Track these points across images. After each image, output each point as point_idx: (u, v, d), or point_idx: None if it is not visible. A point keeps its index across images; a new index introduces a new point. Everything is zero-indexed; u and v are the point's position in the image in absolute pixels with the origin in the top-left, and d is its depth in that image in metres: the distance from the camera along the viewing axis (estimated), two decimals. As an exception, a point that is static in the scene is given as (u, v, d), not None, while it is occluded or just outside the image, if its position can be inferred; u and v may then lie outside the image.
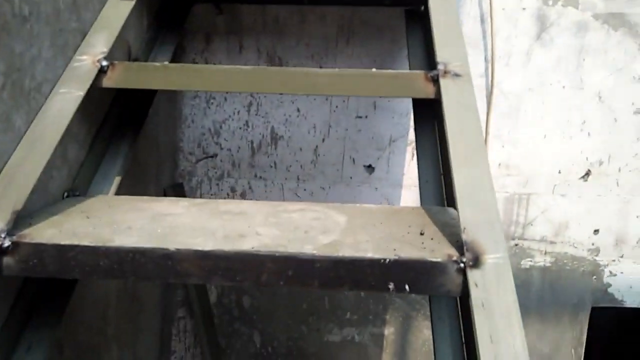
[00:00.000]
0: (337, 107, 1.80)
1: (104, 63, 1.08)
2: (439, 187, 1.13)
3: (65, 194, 1.07)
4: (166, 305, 1.88)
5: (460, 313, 0.90)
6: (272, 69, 1.13)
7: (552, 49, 1.71)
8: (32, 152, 0.92)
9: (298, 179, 1.86)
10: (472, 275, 0.70)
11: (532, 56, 1.72)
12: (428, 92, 1.06)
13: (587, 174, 1.79)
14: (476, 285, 0.69)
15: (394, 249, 0.77)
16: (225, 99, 1.82)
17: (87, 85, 1.03)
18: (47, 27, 0.99)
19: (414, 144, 1.80)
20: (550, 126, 1.76)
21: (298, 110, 1.81)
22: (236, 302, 1.95)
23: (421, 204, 1.12)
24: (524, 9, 1.70)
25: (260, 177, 1.87)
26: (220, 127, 1.84)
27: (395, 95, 1.16)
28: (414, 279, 0.73)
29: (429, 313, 1.88)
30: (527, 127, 1.76)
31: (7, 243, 0.79)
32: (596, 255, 1.85)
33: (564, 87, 1.73)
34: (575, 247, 1.85)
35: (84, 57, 1.09)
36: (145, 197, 1.08)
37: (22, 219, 0.85)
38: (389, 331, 1.95)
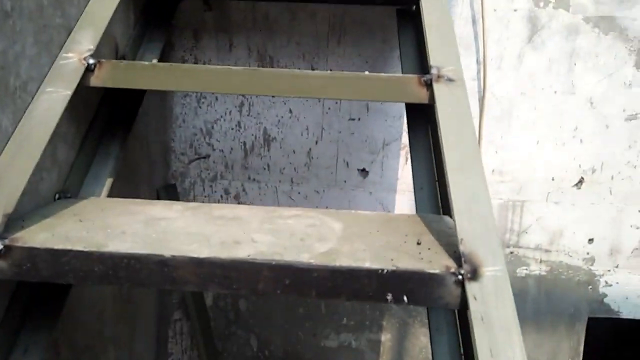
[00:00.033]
0: (329, 108, 1.79)
1: (91, 61, 1.06)
2: (434, 194, 1.13)
3: (57, 196, 1.06)
4: (162, 307, 1.87)
5: (458, 324, 0.90)
6: (264, 71, 1.12)
7: (544, 52, 1.71)
8: (20, 153, 0.90)
9: (292, 181, 1.85)
10: (471, 287, 0.70)
11: (523, 59, 1.72)
12: (421, 97, 1.06)
13: (581, 181, 1.79)
14: (475, 298, 0.69)
15: (392, 259, 0.76)
16: (217, 99, 1.80)
17: (75, 84, 1.01)
18: (30, 23, 0.97)
19: (407, 148, 1.80)
20: (543, 132, 1.76)
21: (290, 111, 1.80)
22: (232, 305, 1.94)
23: (416, 211, 1.12)
24: (515, 10, 1.70)
25: (254, 180, 1.85)
26: (212, 127, 1.82)
27: (388, 99, 1.16)
28: (412, 290, 0.73)
29: (425, 320, 1.90)
30: (520, 133, 1.77)
31: (-1, 247, 0.77)
32: (591, 265, 1.85)
33: (555, 91, 1.74)
34: (571, 256, 1.84)
35: (70, 54, 1.06)
36: (138, 200, 1.06)
37: (13, 221, 0.83)
38: (385, 337, 1.95)
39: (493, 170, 1.79)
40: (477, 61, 1.73)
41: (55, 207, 0.96)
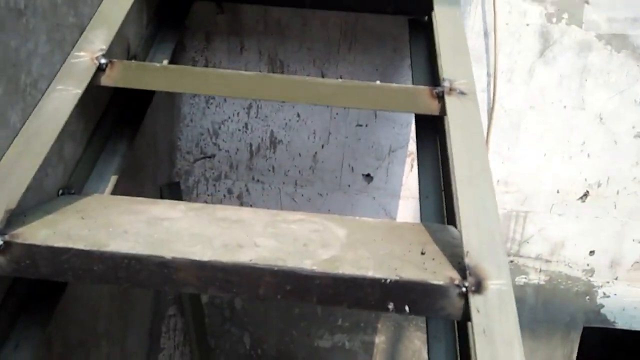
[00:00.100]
0: (337, 114, 1.79)
1: (103, 61, 1.06)
2: (440, 203, 1.12)
3: (60, 192, 1.05)
4: (157, 302, 1.87)
5: (457, 333, 0.89)
6: (275, 76, 1.11)
7: (555, 67, 1.71)
8: (27, 149, 0.90)
9: (296, 184, 1.85)
10: (475, 300, 0.70)
11: (534, 73, 1.72)
12: (432, 108, 1.05)
13: (586, 195, 1.79)
14: (478, 311, 0.68)
15: (395, 269, 0.76)
16: (225, 100, 1.81)
17: (85, 83, 1.01)
18: (43, 22, 0.97)
19: (413, 155, 1.80)
20: (551, 145, 1.76)
21: (298, 115, 1.80)
22: (228, 303, 1.94)
23: (421, 220, 1.11)
24: (527, 25, 1.70)
25: (258, 181, 1.85)
26: (219, 128, 1.82)
27: (399, 109, 1.15)
28: (414, 301, 0.72)
29: (420, 324, 1.90)
30: (527, 145, 1.76)
31: (-1, 242, 0.77)
32: (591, 276, 1.86)
33: (565, 106, 1.73)
34: (570, 267, 1.85)
35: (82, 53, 1.07)
36: (141, 199, 1.06)
37: (15, 216, 0.83)
38: (379, 339, 1.94)
39: (498, 181, 1.79)
40: (488, 74, 1.73)
41: (58, 203, 0.96)
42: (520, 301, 1.85)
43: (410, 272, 0.75)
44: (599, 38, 1.69)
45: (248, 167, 1.84)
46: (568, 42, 1.69)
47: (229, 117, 1.81)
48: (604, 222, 1.81)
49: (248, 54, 1.76)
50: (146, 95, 1.30)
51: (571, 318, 1.88)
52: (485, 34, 1.72)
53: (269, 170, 1.84)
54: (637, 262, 1.83)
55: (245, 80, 1.09)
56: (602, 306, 1.87)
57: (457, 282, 0.72)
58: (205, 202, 1.87)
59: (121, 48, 1.27)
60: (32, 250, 0.77)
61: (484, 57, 1.73)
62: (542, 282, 1.87)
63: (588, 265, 1.85)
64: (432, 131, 1.24)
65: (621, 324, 1.88)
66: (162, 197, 1.76)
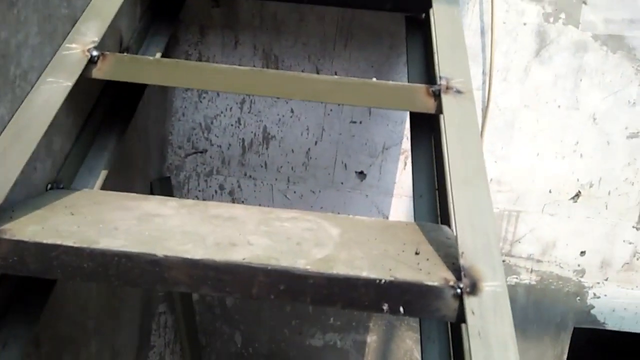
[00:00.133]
0: (331, 110, 1.78)
1: (95, 53, 1.04)
2: (433, 203, 1.11)
3: (49, 186, 1.03)
4: (147, 299, 1.85)
5: (450, 334, 0.89)
6: (269, 72, 1.10)
7: (550, 67, 1.71)
8: (15, 142, 0.88)
9: (288, 180, 1.83)
10: (469, 302, 0.69)
11: (530, 72, 1.72)
12: (429, 107, 1.05)
13: (577, 195, 1.80)
14: (473, 312, 0.68)
15: (390, 269, 0.75)
16: (218, 95, 1.79)
17: (76, 76, 1.00)
18: (35, 13, 0.95)
19: (406, 153, 1.79)
20: (544, 144, 1.76)
21: (292, 111, 1.78)
22: (219, 300, 1.93)
23: (415, 219, 1.11)
24: (524, 24, 1.69)
25: (250, 177, 1.84)
26: (212, 122, 1.80)
27: (394, 107, 1.14)
28: (409, 302, 0.72)
29: (412, 323, 1.91)
30: (521, 144, 1.77)
31: (-15, 238, 0.75)
32: (581, 277, 1.87)
33: (559, 106, 1.73)
34: (561, 267, 1.86)
35: (74, 45, 1.05)
36: (132, 195, 1.04)
37: (2, 211, 0.81)
38: (371, 339, 1.94)
39: (491, 180, 1.79)
40: (483, 72, 1.73)
41: (47, 198, 0.94)
42: (511, 301, 1.83)
43: (405, 273, 0.74)
44: (595, 38, 1.69)
45: (240, 162, 1.82)
46: (564, 42, 1.69)
47: (222, 112, 1.80)
48: (595, 223, 1.82)
49: (242, 48, 1.74)
50: (138, 89, 1.28)
51: (562, 318, 1.89)
52: (482, 32, 1.71)
53: (262, 167, 1.82)
54: (628, 263, 1.85)
55: (239, 75, 1.07)
56: (593, 307, 1.88)
57: (451, 283, 0.72)
58: (197, 197, 1.86)
59: (114, 41, 1.25)
60: (20, 246, 0.75)
61: (480, 55, 1.72)
62: (533, 282, 1.87)
63: (579, 265, 1.86)
64: (427, 129, 1.24)
65: (611, 325, 1.89)
66: (152, 192, 1.74)
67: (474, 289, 0.71)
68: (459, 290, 0.71)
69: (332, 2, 1.60)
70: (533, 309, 1.88)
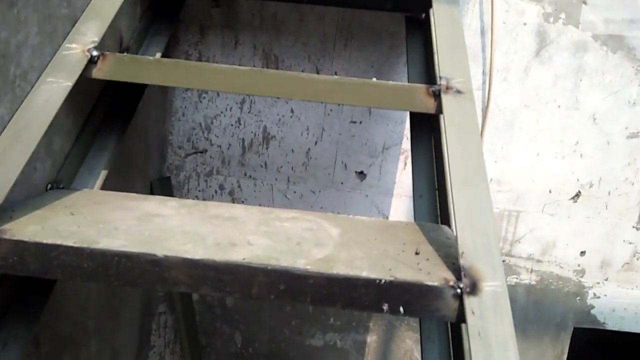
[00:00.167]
0: (331, 110, 1.78)
1: (95, 53, 1.04)
2: (433, 203, 1.11)
3: (49, 186, 1.03)
4: (147, 299, 1.85)
5: (450, 334, 0.89)
6: (270, 72, 1.10)
7: (550, 67, 1.71)
8: (16, 143, 0.88)
9: (288, 180, 1.83)
10: (469, 302, 0.69)
11: (530, 72, 1.72)
12: (429, 107, 1.05)
13: (577, 195, 1.79)
14: (473, 312, 0.68)
15: (390, 269, 0.75)
16: (218, 94, 1.79)
17: (76, 76, 1.00)
18: (35, 13, 0.95)
19: (406, 153, 1.79)
20: (544, 144, 1.76)
21: (292, 111, 1.78)
22: (219, 300, 1.93)
23: (415, 219, 1.11)
24: (524, 24, 1.69)
25: (250, 177, 1.84)
26: (212, 122, 1.80)
27: (394, 107, 1.15)
28: (409, 302, 0.72)
29: (412, 323, 1.91)
30: (521, 144, 1.76)
31: (-15, 238, 0.75)
32: (581, 277, 1.86)
33: (559, 106, 1.73)
34: (561, 267, 1.86)
35: (74, 45, 1.05)
36: (132, 195, 1.04)
37: (3, 211, 0.81)
38: (371, 339, 1.94)
39: (491, 180, 1.79)
40: (483, 72, 1.73)
41: (47, 198, 0.94)
42: (511, 301, 1.83)
43: (405, 273, 0.74)
44: (595, 39, 1.69)
45: (240, 162, 1.82)
46: (564, 42, 1.69)
47: (222, 112, 1.80)
48: (595, 223, 1.82)
49: (242, 48, 1.74)
50: (138, 89, 1.28)
51: (562, 318, 1.89)
52: (482, 32, 1.71)
53: (262, 167, 1.82)
54: (628, 263, 1.85)
55: (239, 75, 1.07)
56: (593, 307, 1.88)
57: (451, 283, 0.72)
58: (197, 197, 1.86)
59: (114, 40, 1.24)
60: (20, 246, 0.75)
61: (480, 55, 1.72)
62: (533, 282, 1.87)
63: (579, 265, 1.86)
64: (427, 129, 1.24)
65: (611, 325, 1.89)
66: (152, 192, 1.74)
67: (474, 289, 0.71)
68: (459, 290, 0.71)
69: (332, 2, 1.60)
70: (533, 309, 1.88)
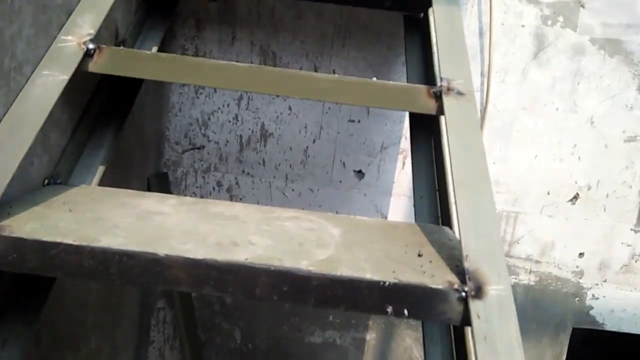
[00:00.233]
0: (329, 108, 1.77)
1: (91, 46, 1.02)
2: (434, 204, 1.11)
3: (46, 182, 1.02)
4: (146, 294, 1.84)
5: (453, 336, 0.89)
6: (269, 69, 1.09)
7: (548, 70, 1.71)
8: (12, 137, 0.86)
9: (286, 178, 1.82)
10: (475, 306, 0.69)
11: (528, 75, 1.72)
12: (429, 108, 1.04)
13: (576, 197, 1.80)
14: (478, 316, 0.68)
15: (393, 271, 0.75)
16: (215, 90, 1.77)
17: (72, 69, 0.97)
18: (29, 4, 0.93)
19: (405, 153, 1.79)
20: (542, 147, 1.77)
21: (290, 108, 1.77)
22: (218, 297, 1.92)
23: (415, 220, 1.10)
24: (523, 26, 1.70)
25: (248, 174, 1.82)
26: (209, 118, 1.79)
27: (394, 107, 1.14)
28: (413, 305, 0.71)
29: (412, 322, 1.90)
30: (519, 146, 1.77)
31: (-17, 235, 0.74)
32: (580, 278, 1.87)
33: (557, 109, 1.74)
34: (560, 269, 1.87)
35: (69, 37, 1.02)
36: (130, 191, 1.03)
37: (0, 207, 0.80)
38: (371, 336, 1.94)
39: (489, 181, 1.79)
40: (482, 73, 1.73)
41: (45, 194, 0.93)
42: (509, 301, 1.86)
43: (409, 275, 0.74)
44: (593, 42, 1.69)
45: (238, 159, 1.81)
46: (562, 45, 1.70)
47: (219, 108, 1.78)
48: (594, 225, 1.83)
49: (240, 44, 1.73)
50: (134, 83, 1.26)
51: (560, 319, 1.90)
52: (481, 34, 1.71)
53: (259, 164, 1.81)
54: (626, 265, 1.86)
55: (239, 72, 1.06)
56: (591, 308, 1.89)
57: (456, 286, 0.71)
58: (194, 194, 1.84)
59: (109, 33, 1.22)
60: (19, 244, 0.74)
61: (478, 56, 1.72)
62: (531, 283, 1.88)
63: (577, 267, 1.87)
64: (427, 130, 1.23)
65: (610, 326, 1.90)
66: (149, 188, 1.73)
67: (479, 292, 0.70)
68: (463, 294, 0.71)
69: (330, -1, 1.59)
70: (532, 309, 1.89)
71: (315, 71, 1.73)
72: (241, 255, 0.76)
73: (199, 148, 1.81)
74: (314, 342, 1.95)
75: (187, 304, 1.87)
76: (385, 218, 1.84)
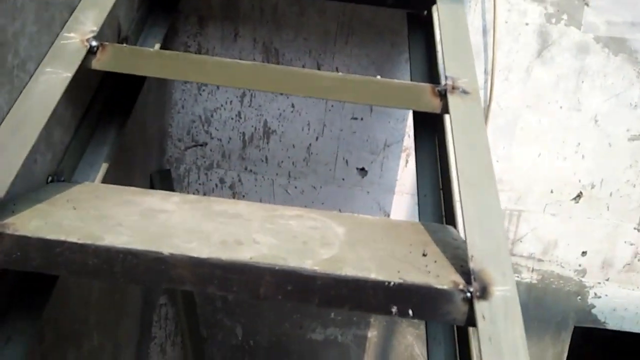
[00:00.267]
0: (332, 106, 1.77)
1: (94, 43, 1.01)
2: (438, 202, 1.11)
3: (49, 179, 1.02)
4: (148, 291, 1.84)
5: (456, 336, 0.88)
6: (272, 67, 1.09)
7: (552, 68, 1.71)
8: (16, 134, 0.86)
9: (289, 175, 1.82)
10: (480, 306, 0.69)
11: (531, 73, 1.71)
12: (434, 106, 1.04)
13: (579, 195, 1.80)
14: (484, 317, 0.67)
15: (398, 271, 0.74)
16: (218, 87, 1.77)
17: (75, 66, 0.97)
18: (32, 1, 0.92)
19: (408, 151, 1.79)
20: (546, 145, 1.76)
21: (293, 105, 1.77)
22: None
23: (419, 219, 1.10)
24: (527, 24, 1.69)
25: (251, 171, 1.82)
26: (212, 115, 1.78)
27: (399, 106, 1.14)
28: (418, 305, 0.71)
29: (414, 320, 1.90)
30: (522, 144, 1.77)
31: (-13, 233, 0.74)
32: (582, 277, 1.87)
33: (561, 107, 1.73)
34: (563, 267, 1.87)
35: (72, 34, 1.02)
36: (134, 189, 1.03)
37: (4, 205, 0.79)
38: (372, 334, 1.95)
39: (492, 179, 1.79)
40: (485, 71, 1.72)
41: (48, 192, 0.92)
42: (512, 299, 1.86)
43: (414, 275, 0.73)
44: (597, 40, 1.69)
45: (241, 156, 1.81)
46: (566, 43, 1.69)
47: (222, 105, 1.78)
48: (597, 224, 1.82)
49: (242, 41, 1.72)
50: (137, 81, 1.26)
51: (562, 317, 1.91)
52: (484, 32, 1.70)
53: (262, 161, 1.81)
54: (629, 264, 1.86)
55: (242, 70, 1.06)
56: (593, 306, 1.89)
57: (461, 287, 0.71)
58: (197, 191, 1.84)
59: (112, 30, 1.22)
60: (23, 242, 0.74)
61: (481, 54, 1.72)
62: (534, 281, 1.88)
63: (580, 265, 1.86)
64: (430, 129, 1.23)
65: (612, 325, 1.90)
66: (152, 185, 1.72)
67: (484, 293, 0.70)
68: (469, 294, 0.70)
69: (332, -4, 1.58)
70: (534, 307, 1.89)
71: (318, 68, 1.72)
72: (245, 254, 0.76)
73: (201, 145, 1.81)
74: (315, 339, 1.95)
75: (189, 300, 1.87)
76: (388, 216, 1.84)
